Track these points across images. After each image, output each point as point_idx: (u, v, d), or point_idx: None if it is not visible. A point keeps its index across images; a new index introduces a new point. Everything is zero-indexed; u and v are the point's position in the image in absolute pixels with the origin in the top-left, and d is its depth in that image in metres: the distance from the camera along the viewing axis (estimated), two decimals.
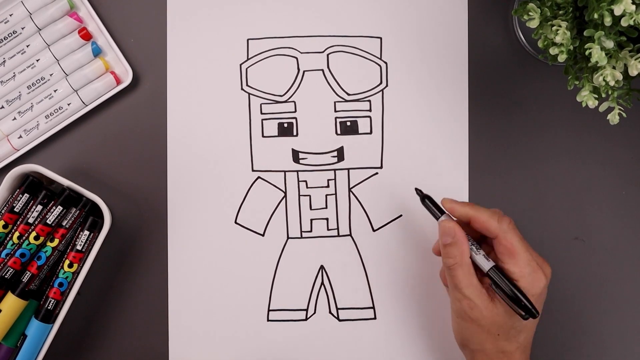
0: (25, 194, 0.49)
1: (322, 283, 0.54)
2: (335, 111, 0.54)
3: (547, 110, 0.54)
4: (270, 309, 0.54)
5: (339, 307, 0.54)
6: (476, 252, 0.46)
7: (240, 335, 0.54)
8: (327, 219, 0.54)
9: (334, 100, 0.54)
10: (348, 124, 0.54)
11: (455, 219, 0.48)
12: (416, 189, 0.49)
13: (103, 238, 0.49)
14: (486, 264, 0.46)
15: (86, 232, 0.49)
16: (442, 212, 0.48)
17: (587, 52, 0.41)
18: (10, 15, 0.52)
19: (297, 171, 0.54)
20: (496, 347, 0.46)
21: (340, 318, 0.54)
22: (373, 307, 0.54)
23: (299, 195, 0.54)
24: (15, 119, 0.52)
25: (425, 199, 0.49)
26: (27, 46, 0.52)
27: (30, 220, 0.49)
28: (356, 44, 0.54)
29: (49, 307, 0.49)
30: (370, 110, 0.54)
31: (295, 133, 0.54)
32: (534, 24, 0.43)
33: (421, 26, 0.54)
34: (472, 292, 0.45)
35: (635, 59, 0.40)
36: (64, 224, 0.49)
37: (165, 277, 0.53)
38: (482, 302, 0.45)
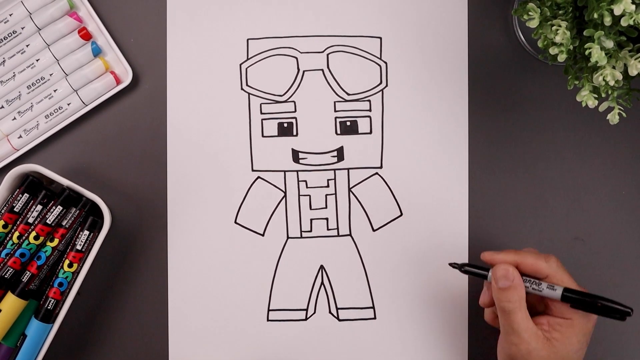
0: (25, 194, 0.49)
1: (322, 283, 0.54)
2: (335, 111, 0.54)
3: (547, 110, 0.54)
4: (270, 308, 0.54)
5: (339, 307, 0.54)
6: (538, 287, 0.45)
7: (240, 335, 0.54)
8: (327, 219, 0.54)
9: (334, 100, 0.54)
10: (348, 123, 0.54)
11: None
12: (450, 264, 0.49)
13: (103, 238, 0.49)
14: (555, 292, 0.44)
15: (86, 232, 0.49)
16: (485, 269, 0.47)
17: (587, 52, 0.41)
18: (10, 15, 0.52)
19: (297, 171, 0.54)
20: None
21: (340, 318, 0.54)
22: (373, 307, 0.54)
23: (299, 195, 0.54)
24: (15, 119, 0.52)
25: (464, 267, 0.48)
26: (27, 46, 0.52)
27: (30, 220, 0.49)
28: (356, 44, 0.54)
29: (48, 307, 0.49)
30: (370, 110, 0.54)
31: (295, 133, 0.54)
32: (534, 24, 0.43)
33: (421, 26, 0.54)
34: (531, 336, 0.44)
35: (635, 59, 0.40)
36: (63, 223, 0.49)
37: (165, 277, 0.53)
38: (539, 344, 0.44)
